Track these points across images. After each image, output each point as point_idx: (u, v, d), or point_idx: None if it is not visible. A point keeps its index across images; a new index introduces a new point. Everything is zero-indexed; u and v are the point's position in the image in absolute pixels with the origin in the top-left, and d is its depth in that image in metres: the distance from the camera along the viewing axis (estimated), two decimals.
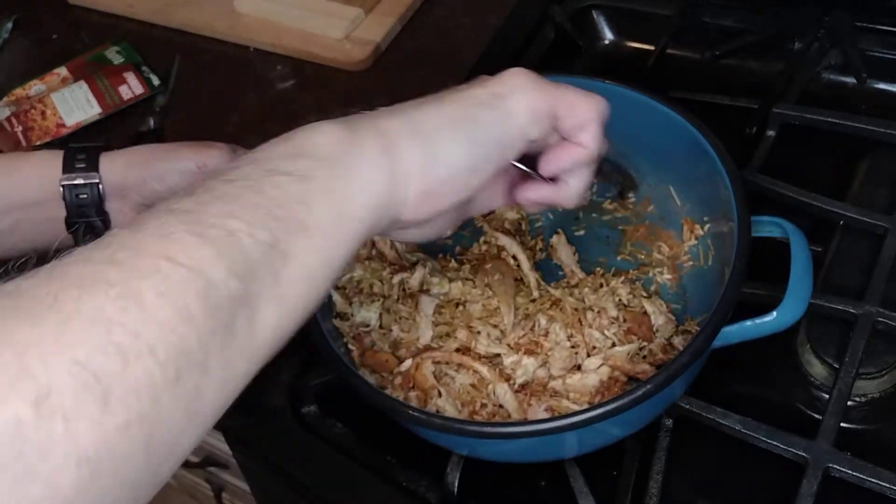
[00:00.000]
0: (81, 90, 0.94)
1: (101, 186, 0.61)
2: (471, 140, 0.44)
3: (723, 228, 0.60)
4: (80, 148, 0.62)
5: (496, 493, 0.62)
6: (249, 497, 0.89)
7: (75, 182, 0.61)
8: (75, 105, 0.93)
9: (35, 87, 0.97)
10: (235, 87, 0.96)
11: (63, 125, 0.92)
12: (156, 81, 0.96)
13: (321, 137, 0.41)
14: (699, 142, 0.61)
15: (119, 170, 0.62)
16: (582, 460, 0.60)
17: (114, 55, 0.99)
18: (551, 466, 0.60)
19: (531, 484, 0.62)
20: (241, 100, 0.94)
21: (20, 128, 0.92)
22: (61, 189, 0.61)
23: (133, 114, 0.95)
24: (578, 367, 0.60)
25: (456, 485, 0.60)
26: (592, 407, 0.51)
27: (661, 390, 0.51)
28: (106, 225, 0.63)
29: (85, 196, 0.61)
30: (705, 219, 0.64)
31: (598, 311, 0.63)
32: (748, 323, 0.55)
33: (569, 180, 0.52)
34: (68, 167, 0.61)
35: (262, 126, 0.91)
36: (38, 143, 0.91)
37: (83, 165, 0.61)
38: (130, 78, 0.96)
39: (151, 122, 0.93)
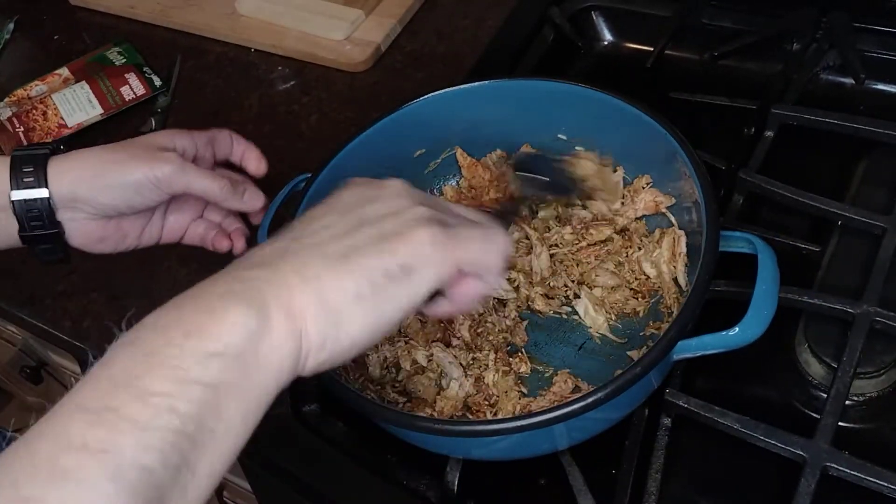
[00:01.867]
0: (83, 91, 0.94)
1: (51, 200, 0.60)
2: (378, 317, 0.44)
3: (696, 242, 0.60)
4: (27, 157, 0.60)
5: (496, 491, 0.62)
6: (250, 495, 0.90)
7: (25, 198, 0.60)
8: (77, 106, 0.94)
9: (37, 87, 0.97)
10: (237, 88, 0.96)
11: (65, 126, 0.93)
12: (157, 82, 0.97)
13: (233, 331, 0.39)
14: (677, 151, 0.62)
15: (68, 184, 0.60)
16: (581, 459, 0.60)
17: (115, 56, 0.99)
18: (550, 465, 0.60)
19: (531, 483, 0.62)
20: (243, 101, 0.95)
21: (22, 128, 0.92)
22: (11, 205, 0.60)
23: (135, 114, 0.95)
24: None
25: (456, 483, 0.60)
26: (546, 410, 0.51)
27: (613, 398, 0.51)
28: (60, 235, 0.62)
29: (36, 211, 0.60)
30: (684, 230, 0.65)
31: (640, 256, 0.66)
32: (707, 337, 0.55)
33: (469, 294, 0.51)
34: (15, 182, 0.60)
35: (262, 127, 0.92)
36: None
37: (31, 180, 0.60)
38: (132, 79, 0.96)
39: (153, 123, 0.93)
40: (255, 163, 0.69)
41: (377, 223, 0.45)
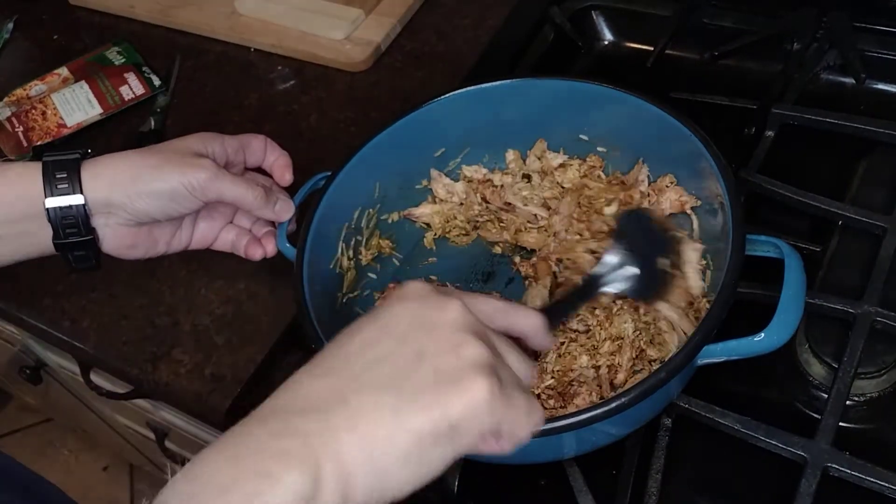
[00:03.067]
0: (82, 90, 0.94)
1: (86, 207, 0.60)
2: (419, 478, 0.42)
3: (721, 245, 0.60)
4: (58, 163, 0.60)
5: (496, 492, 0.62)
6: None
7: (60, 205, 0.59)
8: (76, 105, 0.94)
9: (36, 87, 0.97)
10: (236, 87, 0.96)
11: (64, 125, 0.93)
12: (157, 82, 0.96)
13: (290, 499, 0.38)
14: (702, 153, 0.61)
15: (103, 189, 0.60)
16: (581, 460, 0.60)
17: (115, 56, 0.99)
18: (551, 466, 0.60)
19: (531, 483, 0.62)
20: (242, 100, 0.95)
21: (21, 128, 0.92)
22: (46, 212, 0.59)
23: (134, 114, 0.95)
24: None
25: (456, 484, 0.60)
26: (572, 414, 0.51)
27: (638, 402, 0.51)
28: (94, 241, 0.62)
29: (71, 218, 0.59)
30: (708, 233, 0.65)
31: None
32: (733, 342, 0.54)
33: None
34: (49, 189, 0.59)
35: (262, 126, 0.92)
36: (38, 143, 0.91)
37: (65, 186, 0.59)
38: (131, 78, 0.96)
39: (152, 123, 0.93)
40: (280, 171, 0.68)
41: (435, 359, 0.43)
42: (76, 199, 0.59)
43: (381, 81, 0.93)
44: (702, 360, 0.55)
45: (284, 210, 0.67)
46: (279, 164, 0.69)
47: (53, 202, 0.59)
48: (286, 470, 0.38)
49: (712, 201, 0.62)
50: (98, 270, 0.65)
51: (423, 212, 0.73)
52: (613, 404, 0.50)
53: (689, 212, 0.66)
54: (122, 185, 0.60)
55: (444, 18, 0.98)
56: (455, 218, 0.73)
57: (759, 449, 0.58)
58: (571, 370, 0.61)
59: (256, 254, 0.69)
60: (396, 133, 0.69)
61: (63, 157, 0.60)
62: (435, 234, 0.74)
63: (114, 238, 0.62)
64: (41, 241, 0.61)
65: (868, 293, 0.61)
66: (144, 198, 0.60)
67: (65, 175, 0.59)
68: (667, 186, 0.67)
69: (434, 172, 0.74)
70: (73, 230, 0.60)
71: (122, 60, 0.99)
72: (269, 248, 0.69)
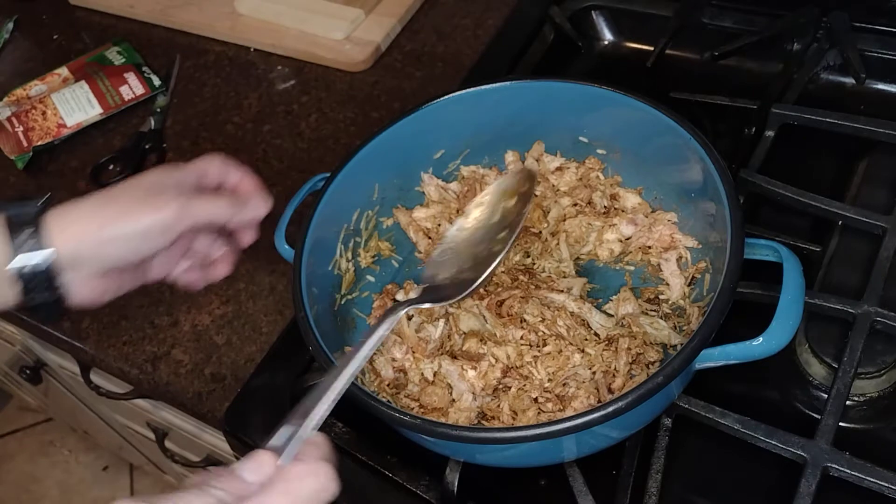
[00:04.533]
0: (82, 90, 0.94)
1: (53, 266, 0.55)
2: None
3: (720, 246, 0.60)
4: (21, 221, 0.55)
5: (496, 492, 0.62)
6: None
7: (26, 266, 0.54)
8: (76, 105, 0.94)
9: (36, 87, 0.97)
10: (236, 87, 0.96)
11: (64, 125, 0.93)
12: (156, 82, 0.96)
13: None
14: (701, 156, 0.61)
15: (72, 242, 0.55)
16: (581, 460, 0.60)
17: (115, 56, 0.99)
18: (551, 466, 0.60)
19: (531, 484, 0.62)
20: (242, 100, 0.95)
21: (21, 128, 0.92)
22: (11, 273, 0.54)
23: (134, 114, 0.95)
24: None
25: (456, 484, 0.60)
26: (568, 418, 0.50)
27: (635, 406, 0.50)
28: (62, 299, 0.57)
29: (40, 279, 0.55)
30: (707, 236, 0.65)
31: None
32: (731, 347, 0.53)
33: None
34: (17, 246, 0.54)
35: (262, 126, 0.92)
36: (38, 143, 0.91)
37: (34, 241, 0.54)
38: (131, 78, 0.96)
39: (152, 123, 0.93)
40: (255, 198, 0.62)
41: None
42: (43, 257, 0.55)
43: (381, 81, 0.93)
44: (699, 365, 0.54)
45: (261, 204, 0.62)
46: (246, 187, 0.63)
47: (19, 263, 0.55)
48: None
49: (708, 208, 0.62)
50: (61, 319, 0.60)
51: (419, 216, 0.73)
52: (611, 408, 0.50)
53: (681, 250, 0.65)
54: (91, 235, 0.56)
55: (444, 18, 0.98)
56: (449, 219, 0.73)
57: (759, 449, 0.58)
58: (566, 368, 0.61)
59: (219, 274, 0.65)
60: (396, 135, 0.69)
61: (25, 205, 0.56)
62: (428, 240, 0.73)
63: (82, 290, 0.58)
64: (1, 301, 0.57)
65: (868, 293, 0.61)
66: (117, 242, 0.57)
67: (32, 230, 0.55)
68: (664, 223, 0.67)
69: (425, 176, 0.73)
70: (41, 290, 0.56)
71: (122, 60, 0.99)
72: (223, 270, 0.65)
